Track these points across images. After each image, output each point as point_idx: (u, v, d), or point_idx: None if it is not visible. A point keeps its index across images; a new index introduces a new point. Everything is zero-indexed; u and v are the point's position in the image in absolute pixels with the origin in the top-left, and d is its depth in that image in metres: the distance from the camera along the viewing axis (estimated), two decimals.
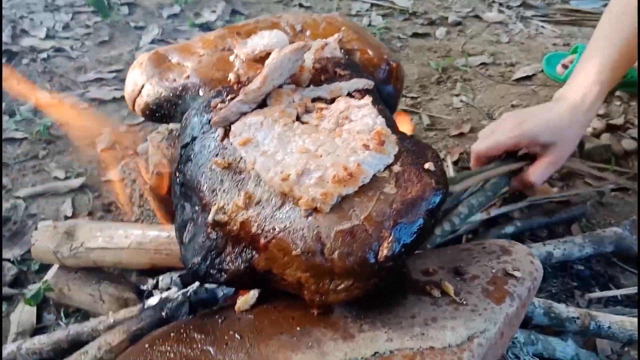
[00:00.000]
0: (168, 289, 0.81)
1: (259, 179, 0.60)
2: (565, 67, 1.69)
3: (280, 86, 0.67)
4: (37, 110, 1.49)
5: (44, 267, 1.04)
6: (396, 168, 0.57)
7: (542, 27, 2.05)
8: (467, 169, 1.37)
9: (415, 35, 1.98)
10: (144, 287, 0.86)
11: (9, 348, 0.80)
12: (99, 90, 1.58)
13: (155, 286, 0.84)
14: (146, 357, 0.55)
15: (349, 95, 0.68)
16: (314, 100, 0.67)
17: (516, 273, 0.63)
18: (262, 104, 0.66)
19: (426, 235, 0.56)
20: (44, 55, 1.73)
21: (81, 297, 0.93)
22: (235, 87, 0.74)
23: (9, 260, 1.06)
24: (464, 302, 0.58)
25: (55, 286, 0.93)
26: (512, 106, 1.62)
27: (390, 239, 0.52)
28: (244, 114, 0.65)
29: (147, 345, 0.57)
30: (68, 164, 1.32)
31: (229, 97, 0.71)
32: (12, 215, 1.17)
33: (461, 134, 1.50)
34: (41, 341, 0.79)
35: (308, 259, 0.53)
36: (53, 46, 1.77)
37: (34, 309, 0.95)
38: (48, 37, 1.82)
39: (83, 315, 0.95)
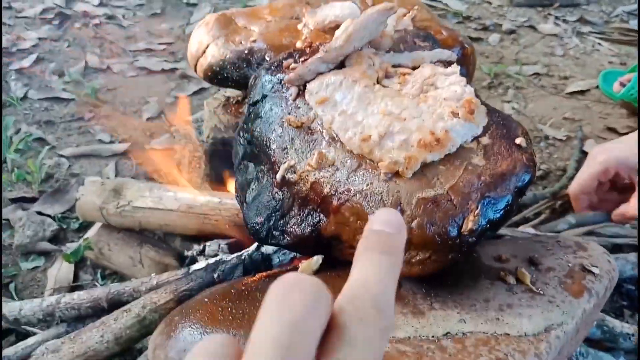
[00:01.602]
0: (215, 255, 0.78)
1: (334, 139, 0.56)
2: (622, 85, 1.63)
3: (361, 49, 0.64)
4: (86, 73, 1.49)
5: (85, 226, 1.03)
6: (485, 140, 0.54)
7: (599, 44, 1.99)
8: None
9: (468, 38, 1.93)
10: (188, 253, 0.84)
11: (47, 301, 0.78)
12: (147, 60, 1.57)
13: (202, 252, 0.81)
14: (206, 311, 0.52)
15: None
16: (394, 66, 0.64)
17: (594, 269, 0.59)
18: (340, 65, 0.63)
19: (511, 215, 0.52)
20: (97, 21, 1.73)
21: (120, 259, 0.91)
22: (307, 50, 0.72)
23: (49, 216, 1.05)
24: (541, 292, 0.54)
25: (95, 245, 0.91)
26: (564, 119, 1.57)
27: (476, 211, 0.48)
28: (321, 73, 0.62)
29: (206, 299, 0.54)
30: (113, 128, 1.31)
31: (302, 58, 0.69)
32: (55, 172, 1.16)
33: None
34: (81, 297, 0.77)
35: None
36: (105, 13, 1.77)
37: (72, 266, 0.93)
38: (101, 4, 1.82)
39: (120, 278, 0.93)
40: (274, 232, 0.58)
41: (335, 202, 0.53)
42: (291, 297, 0.23)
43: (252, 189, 0.62)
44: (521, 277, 0.55)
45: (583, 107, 1.64)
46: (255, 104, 0.66)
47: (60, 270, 0.94)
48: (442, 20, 1.99)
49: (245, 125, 0.68)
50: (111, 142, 1.26)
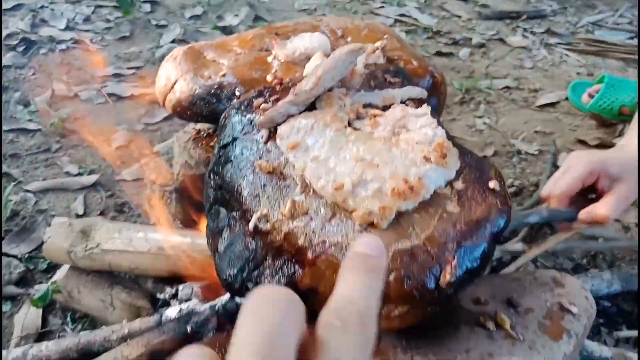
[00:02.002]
0: (188, 299, 0.76)
1: (307, 186, 0.55)
2: (591, 96, 1.65)
3: (331, 89, 0.63)
4: (53, 102, 1.45)
5: (52, 267, 0.99)
6: (458, 185, 0.53)
7: (566, 54, 2.02)
8: None
9: (439, 54, 1.95)
10: (161, 296, 0.81)
11: (14, 353, 0.75)
12: (116, 86, 1.54)
13: (174, 296, 0.78)
14: None
15: (403, 103, 0.64)
16: (365, 106, 0.63)
17: (573, 308, 0.59)
18: (311, 107, 0.62)
19: (488, 261, 0.51)
20: (63, 46, 1.69)
21: (91, 302, 0.88)
22: (277, 87, 0.70)
23: (15, 257, 1.01)
24: (521, 338, 0.54)
25: (64, 288, 0.87)
26: (536, 132, 1.59)
27: (454, 262, 0.48)
28: (292, 116, 0.61)
29: None
30: (81, 159, 1.28)
31: (272, 97, 0.67)
32: (22, 209, 1.12)
33: (484, 157, 1.46)
34: (49, 348, 0.74)
35: None
36: (72, 38, 1.73)
37: (40, 311, 0.90)
38: (68, 28, 1.79)
39: (90, 321, 0.90)
40: (247, 284, 0.56)
41: (310, 255, 0.52)
42: (266, 306, 0.24)
43: (224, 238, 0.60)
44: (501, 322, 0.55)
45: (554, 119, 1.66)
46: (225, 146, 0.65)
47: (28, 316, 0.90)
48: (414, 37, 2.01)
49: (215, 168, 0.66)
50: (79, 174, 1.23)
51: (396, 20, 2.14)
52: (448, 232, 0.49)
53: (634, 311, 1.07)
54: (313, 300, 0.54)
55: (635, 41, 2.12)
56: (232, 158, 0.62)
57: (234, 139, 0.64)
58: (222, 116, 0.69)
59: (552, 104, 1.73)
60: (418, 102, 0.64)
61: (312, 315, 0.57)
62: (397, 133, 0.56)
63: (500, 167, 1.43)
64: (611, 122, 1.60)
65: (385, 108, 0.63)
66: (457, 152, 0.55)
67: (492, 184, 0.53)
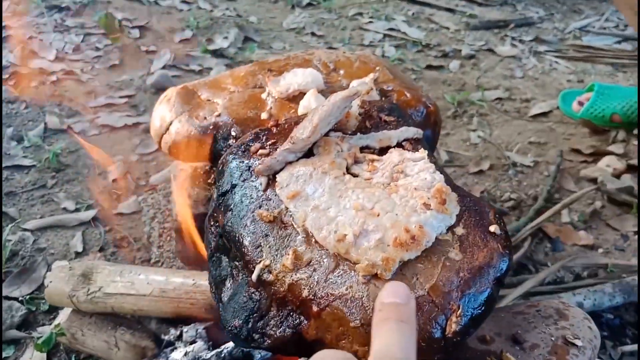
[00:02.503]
0: (193, 342, 0.76)
1: (309, 235, 0.55)
2: (581, 104, 1.67)
3: (327, 134, 0.63)
4: (46, 136, 1.45)
5: (54, 308, 0.99)
6: (459, 230, 0.53)
7: (556, 62, 2.04)
8: None
9: (429, 67, 1.96)
10: (165, 337, 0.81)
11: None
12: (109, 117, 1.54)
13: (179, 337, 0.78)
14: None
15: (398, 145, 0.64)
16: (362, 149, 0.63)
17: (577, 342, 0.59)
18: (308, 152, 0.63)
19: (493, 306, 0.52)
20: (54, 77, 1.69)
21: (95, 344, 0.87)
22: (273, 129, 0.71)
23: (16, 299, 1.01)
24: None
25: (68, 331, 0.87)
26: (530, 143, 1.60)
27: (459, 312, 0.48)
28: (290, 163, 0.61)
29: None
30: (78, 194, 1.27)
31: (269, 141, 0.68)
32: (20, 249, 1.12)
33: (480, 172, 1.47)
34: None
35: (368, 332, 0.48)
36: (63, 69, 1.73)
37: (44, 355, 0.89)
38: (58, 59, 1.78)
39: None
40: (253, 335, 0.56)
41: (315, 308, 0.52)
42: None
43: (228, 287, 0.60)
44: None
45: (547, 129, 1.67)
46: (224, 194, 0.65)
47: None
48: (404, 52, 2.02)
49: (215, 215, 0.66)
50: (77, 209, 1.23)
51: (385, 35, 2.15)
52: (452, 280, 0.49)
53: (636, 322, 1.08)
54: (320, 349, 0.54)
55: (623, 45, 2.14)
56: (232, 206, 0.62)
57: (233, 186, 0.64)
58: (220, 161, 0.69)
59: (544, 114, 1.74)
60: (414, 142, 0.64)
61: None
62: (395, 179, 0.57)
63: (497, 180, 1.44)
64: (603, 129, 1.61)
65: (382, 149, 0.64)
66: (455, 197, 0.56)
67: (493, 227, 0.54)
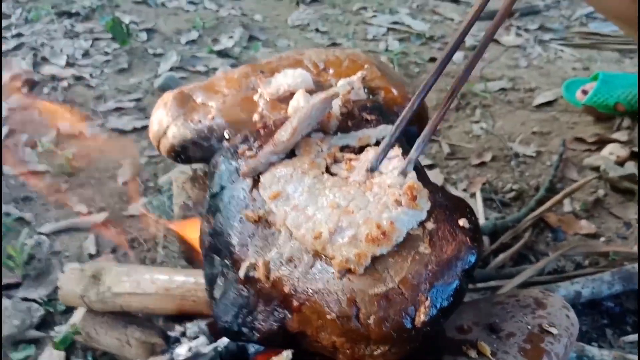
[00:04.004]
0: (196, 337, 0.80)
1: (290, 234, 0.59)
2: (585, 92, 1.66)
3: (309, 134, 0.66)
4: (58, 141, 1.50)
5: (70, 307, 1.04)
6: (429, 225, 0.56)
7: (561, 50, 2.03)
8: (489, 200, 1.36)
9: (433, 60, 1.97)
10: (171, 334, 0.86)
11: None
12: (118, 120, 1.59)
13: (183, 333, 0.83)
14: None
15: (377, 143, 0.67)
16: (342, 149, 0.66)
17: (552, 329, 0.61)
18: (291, 153, 0.66)
19: (462, 297, 0.54)
20: (65, 84, 1.74)
21: (108, 341, 0.92)
22: (261, 131, 0.74)
23: (35, 300, 1.06)
24: None
25: (83, 329, 0.92)
26: (533, 133, 1.60)
27: (427, 303, 0.51)
28: (273, 164, 0.65)
29: None
30: (90, 197, 1.32)
31: (256, 143, 0.71)
32: (37, 252, 1.17)
33: (482, 163, 1.48)
34: None
35: (343, 323, 0.52)
36: (73, 74, 1.79)
37: (63, 353, 0.95)
38: (68, 64, 1.84)
39: (111, 359, 0.94)
40: (243, 330, 0.60)
41: (295, 302, 0.55)
42: None
43: (219, 285, 0.64)
44: (482, 350, 0.58)
45: (550, 118, 1.67)
46: (214, 195, 0.69)
47: (52, 358, 0.95)
48: (408, 45, 2.03)
49: (207, 216, 0.70)
50: (89, 212, 1.28)
51: (389, 29, 2.16)
52: (420, 273, 0.52)
53: (637, 310, 1.09)
54: (303, 341, 0.58)
55: None
56: (222, 208, 0.66)
57: (222, 188, 0.68)
58: (211, 164, 0.73)
59: (549, 103, 1.74)
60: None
61: (306, 354, 0.60)
62: (370, 177, 0.60)
63: (499, 172, 1.45)
64: (607, 116, 1.61)
65: (362, 148, 0.66)
66: (427, 193, 0.58)
67: (462, 221, 0.56)
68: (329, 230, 0.55)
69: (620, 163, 1.45)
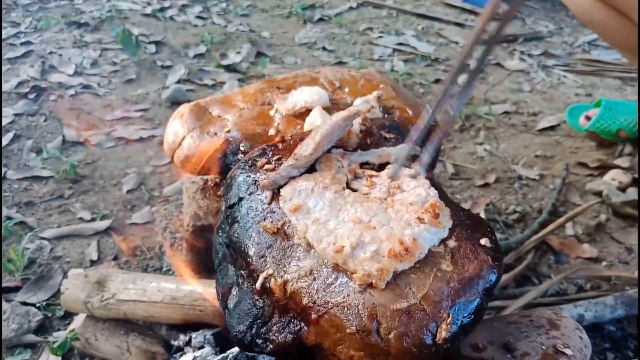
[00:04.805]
0: (201, 347, 0.79)
1: (309, 247, 0.59)
2: (588, 119, 1.68)
3: (329, 150, 0.67)
4: (64, 148, 1.50)
5: (69, 313, 1.03)
6: (451, 243, 0.56)
7: (564, 76, 2.06)
8: (493, 221, 1.37)
9: (438, 81, 1.99)
10: (175, 343, 0.85)
11: None
12: (125, 130, 1.59)
13: (188, 343, 0.82)
14: None
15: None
16: (362, 165, 0.67)
17: (567, 350, 0.61)
18: (311, 168, 0.66)
19: (482, 315, 0.54)
20: (72, 92, 1.75)
21: (107, 348, 0.91)
22: (280, 145, 0.74)
23: (34, 305, 1.05)
24: None
25: (82, 336, 0.91)
26: (536, 157, 1.62)
27: (449, 320, 0.51)
28: (293, 177, 0.65)
29: None
30: (94, 204, 1.32)
31: (275, 157, 0.71)
32: (38, 257, 1.16)
33: (486, 184, 1.49)
34: None
35: (363, 337, 0.52)
36: (81, 83, 1.79)
37: (59, 358, 0.93)
38: (76, 73, 1.85)
39: None
40: (257, 340, 0.59)
41: (314, 315, 0.55)
42: None
43: (233, 295, 0.64)
44: None
45: (553, 143, 1.69)
46: (232, 206, 0.69)
47: None
48: (413, 66, 2.05)
49: (223, 226, 0.70)
50: (92, 219, 1.27)
51: (395, 50, 2.19)
52: (442, 290, 0.52)
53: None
54: (319, 355, 0.58)
55: None
56: (239, 218, 0.66)
57: (240, 199, 0.68)
58: (228, 175, 0.73)
59: (552, 128, 1.76)
60: (412, 158, 0.67)
61: None
62: (392, 194, 0.60)
63: (503, 193, 1.46)
64: (610, 142, 1.63)
65: (381, 165, 0.67)
66: (448, 211, 0.59)
67: (484, 241, 0.57)
68: (351, 245, 0.55)
69: (622, 189, 1.46)
